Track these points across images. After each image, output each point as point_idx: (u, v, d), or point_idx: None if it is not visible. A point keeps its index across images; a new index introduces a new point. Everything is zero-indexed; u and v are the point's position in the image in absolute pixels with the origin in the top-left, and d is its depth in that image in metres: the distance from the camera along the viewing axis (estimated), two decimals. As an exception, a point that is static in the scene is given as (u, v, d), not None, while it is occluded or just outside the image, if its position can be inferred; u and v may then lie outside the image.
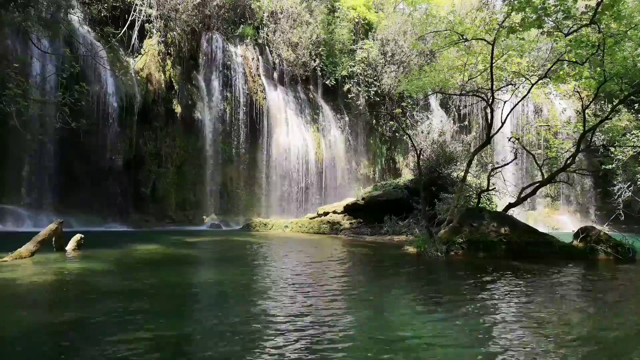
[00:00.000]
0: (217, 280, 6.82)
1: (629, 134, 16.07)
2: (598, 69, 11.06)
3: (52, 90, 15.43)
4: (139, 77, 18.98)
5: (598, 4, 9.55)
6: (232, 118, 21.95)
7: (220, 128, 21.61)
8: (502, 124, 13.06)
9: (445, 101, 28.78)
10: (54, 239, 8.61)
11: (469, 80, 13.75)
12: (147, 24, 19.71)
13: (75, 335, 3.85)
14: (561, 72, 12.23)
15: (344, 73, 25.94)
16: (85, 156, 17.12)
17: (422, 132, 20.29)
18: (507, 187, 14.35)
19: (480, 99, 16.20)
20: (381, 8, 29.28)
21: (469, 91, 14.85)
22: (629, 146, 16.10)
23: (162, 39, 20.11)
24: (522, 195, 12.61)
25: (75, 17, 17.40)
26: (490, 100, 12.48)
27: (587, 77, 11.89)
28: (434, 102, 28.54)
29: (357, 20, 27.28)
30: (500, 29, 10.80)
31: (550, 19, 10.55)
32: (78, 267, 7.50)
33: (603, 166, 19.29)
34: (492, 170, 14.47)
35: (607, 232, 10.75)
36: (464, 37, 11.91)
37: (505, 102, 13.26)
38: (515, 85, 13.35)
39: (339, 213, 18.04)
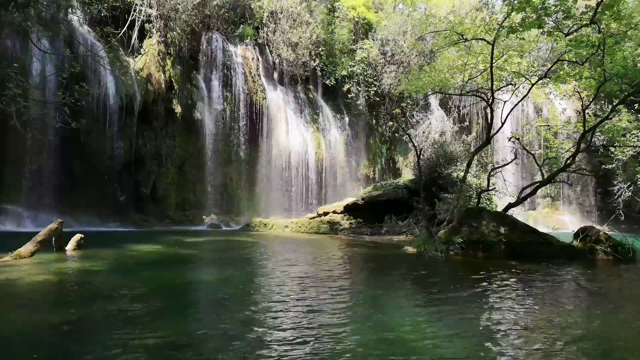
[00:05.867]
0: (217, 280, 6.82)
1: (629, 134, 16.05)
2: (598, 69, 11.05)
3: (52, 90, 15.43)
4: (139, 77, 18.98)
5: (598, 4, 9.55)
6: (232, 118, 21.95)
7: (220, 128, 21.62)
8: (502, 124, 13.07)
9: (445, 101, 28.78)
10: (54, 239, 8.61)
11: (469, 80, 13.74)
12: (147, 24, 19.71)
13: (75, 336, 3.85)
14: (561, 72, 12.22)
15: (344, 73, 25.94)
16: (85, 156, 17.12)
17: (422, 132, 20.30)
18: (507, 187, 14.34)
19: (480, 99, 16.19)
20: (381, 8, 29.29)
21: (469, 91, 14.85)
22: (629, 146, 16.07)
23: (162, 39, 20.11)
24: (522, 196, 12.61)
25: (75, 17, 17.40)
26: (490, 100, 12.48)
27: (587, 77, 11.89)
28: (434, 102, 28.53)
29: (356, 20, 27.28)
30: (500, 29, 10.80)
31: (550, 19, 10.55)
32: (78, 267, 7.50)
33: (603, 166, 19.27)
34: (492, 170, 14.47)
35: (606, 232, 10.75)
36: (464, 37, 11.91)
37: (505, 102, 13.26)
38: (515, 85, 13.35)
39: (338, 213, 18.03)
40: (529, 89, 12.94)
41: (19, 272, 6.55)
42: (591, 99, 13.24)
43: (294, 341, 3.73)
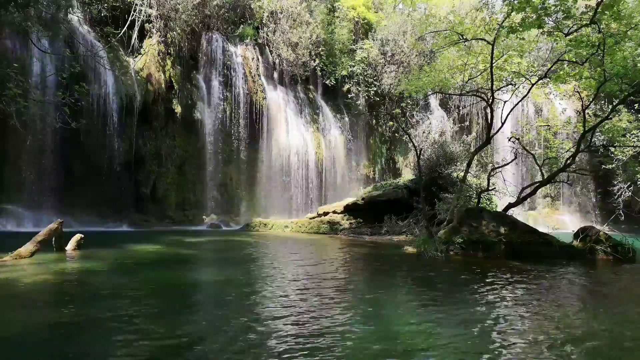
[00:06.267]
0: (217, 280, 6.82)
1: (629, 134, 16.05)
2: (598, 69, 11.05)
3: (52, 90, 15.43)
4: (139, 77, 18.98)
5: (598, 4, 9.55)
6: (232, 118, 21.95)
7: (220, 128, 21.62)
8: (502, 124, 13.06)
9: (445, 101, 28.78)
10: (54, 239, 8.61)
11: (469, 80, 13.75)
12: (147, 24, 19.71)
13: (75, 336, 3.85)
14: (561, 72, 12.23)
15: (344, 73, 25.94)
16: (85, 156, 17.12)
17: (422, 132, 20.30)
18: (507, 187, 14.34)
19: (480, 99, 16.19)
20: (381, 8, 29.29)
21: (469, 91, 14.85)
22: (629, 146, 16.07)
23: (162, 39, 20.11)
24: (522, 195, 12.61)
25: (75, 17, 17.39)
26: (490, 100, 12.48)
27: (587, 77, 11.89)
28: (434, 102, 28.54)
29: (356, 20, 27.29)
30: (500, 29, 10.80)
31: (550, 19, 10.56)
32: (78, 267, 7.50)
33: (603, 166, 19.27)
34: (492, 170, 14.47)
35: (606, 232, 10.75)
36: (464, 37, 11.91)
37: (505, 102, 13.26)
38: (515, 85, 13.35)
39: (338, 213, 18.04)
40: (529, 89, 12.94)
41: (19, 272, 6.55)
42: (591, 99, 13.23)
43: (292, 342, 3.73)
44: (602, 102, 18.75)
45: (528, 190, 13.17)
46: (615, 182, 20.97)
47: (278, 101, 23.80)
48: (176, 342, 3.70)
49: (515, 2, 9.91)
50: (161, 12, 19.92)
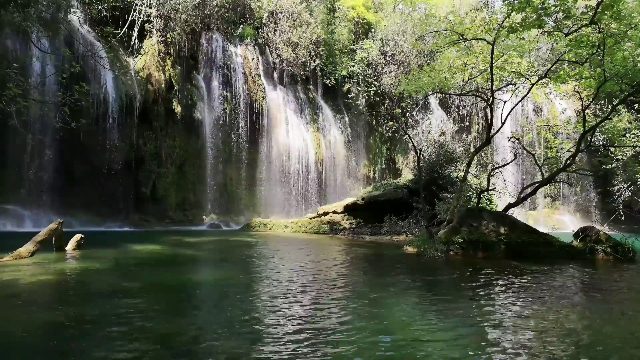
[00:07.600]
0: (217, 280, 6.82)
1: (629, 134, 16.06)
2: (598, 69, 11.06)
3: (52, 90, 15.43)
4: (139, 77, 18.97)
5: (598, 4, 9.55)
6: (232, 118, 21.95)
7: (220, 128, 21.62)
8: (502, 124, 13.07)
9: (445, 101, 28.78)
10: (53, 239, 8.61)
11: (469, 80, 13.76)
12: (147, 24, 19.71)
13: (75, 335, 3.85)
14: (561, 72, 12.23)
15: (344, 73, 25.94)
16: (85, 156, 17.12)
17: (422, 132, 20.30)
18: (507, 187, 14.35)
19: (480, 99, 16.20)
20: (381, 8, 29.29)
21: (469, 91, 14.86)
22: (629, 146, 16.08)
23: (162, 39, 20.11)
24: (522, 195, 12.62)
25: (75, 17, 17.38)
26: (490, 100, 12.48)
27: (587, 77, 11.89)
28: (433, 102, 28.54)
29: (356, 20, 27.29)
30: (500, 29, 10.81)
31: (550, 19, 10.56)
32: (78, 267, 7.50)
33: (603, 166, 19.29)
34: (492, 170, 14.47)
35: (606, 232, 10.75)
36: (464, 37, 11.91)
37: (505, 102, 13.27)
38: (515, 85, 13.36)
39: (338, 213, 18.04)
40: (529, 89, 12.95)
41: (19, 272, 6.55)
42: (591, 99, 13.23)
43: (292, 341, 3.73)
44: (602, 102, 18.76)
45: (528, 190, 13.18)
46: (615, 182, 20.99)
47: (278, 101, 23.80)
48: (177, 343, 3.70)
49: (515, 2, 9.91)
50: (161, 12, 19.92)
